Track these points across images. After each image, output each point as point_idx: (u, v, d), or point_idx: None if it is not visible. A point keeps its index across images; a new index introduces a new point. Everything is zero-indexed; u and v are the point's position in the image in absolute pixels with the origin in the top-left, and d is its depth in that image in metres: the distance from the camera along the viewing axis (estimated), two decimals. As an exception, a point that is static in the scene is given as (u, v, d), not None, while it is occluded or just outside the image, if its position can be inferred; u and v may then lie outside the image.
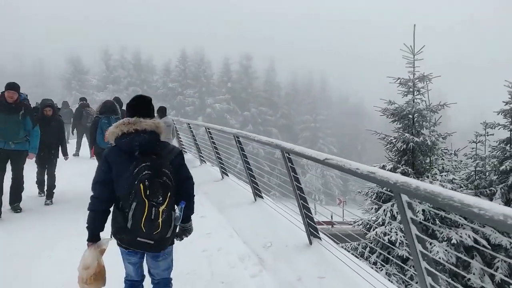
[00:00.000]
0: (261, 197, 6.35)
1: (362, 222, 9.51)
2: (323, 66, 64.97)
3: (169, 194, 2.47)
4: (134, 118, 2.60)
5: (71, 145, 11.62)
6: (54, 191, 6.97)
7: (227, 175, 8.42)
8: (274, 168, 26.80)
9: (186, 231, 2.83)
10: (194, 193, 2.81)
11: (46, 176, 7.05)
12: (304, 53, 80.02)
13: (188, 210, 2.76)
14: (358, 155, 54.86)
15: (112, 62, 59.44)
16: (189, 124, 11.41)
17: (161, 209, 2.42)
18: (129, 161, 2.47)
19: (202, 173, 8.94)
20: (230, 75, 60.19)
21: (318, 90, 62.99)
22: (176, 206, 2.61)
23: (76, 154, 12.41)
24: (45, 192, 7.02)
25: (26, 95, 6.26)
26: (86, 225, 2.65)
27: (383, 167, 9.22)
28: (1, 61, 57.59)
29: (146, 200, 2.38)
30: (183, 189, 2.70)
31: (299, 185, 4.41)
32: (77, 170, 9.06)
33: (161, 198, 2.43)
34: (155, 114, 4.54)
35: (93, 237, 2.65)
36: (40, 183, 7.22)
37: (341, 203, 29.22)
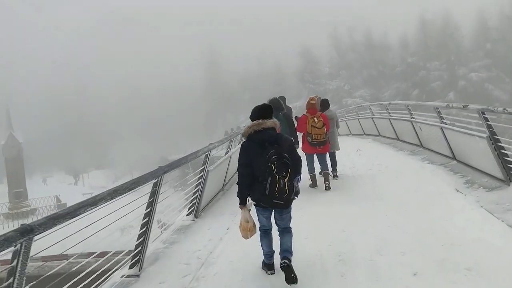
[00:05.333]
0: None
1: None
2: None
3: (289, 170, 3.93)
4: (260, 120, 4.11)
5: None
6: None
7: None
8: None
9: (296, 192, 4.15)
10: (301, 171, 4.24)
11: None
12: None
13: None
14: None
15: (343, 45, 55.79)
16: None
17: (286, 180, 3.88)
18: (261, 149, 3.93)
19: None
20: (489, 33, 47.20)
21: None
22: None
23: None
24: None
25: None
26: (238, 195, 4.18)
27: None
28: (246, 65, 62.74)
29: (276, 175, 3.85)
30: (295, 166, 4.05)
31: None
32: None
33: (284, 173, 3.88)
34: (318, 108, 7.70)
35: (243, 202, 4.20)
36: None
37: None
